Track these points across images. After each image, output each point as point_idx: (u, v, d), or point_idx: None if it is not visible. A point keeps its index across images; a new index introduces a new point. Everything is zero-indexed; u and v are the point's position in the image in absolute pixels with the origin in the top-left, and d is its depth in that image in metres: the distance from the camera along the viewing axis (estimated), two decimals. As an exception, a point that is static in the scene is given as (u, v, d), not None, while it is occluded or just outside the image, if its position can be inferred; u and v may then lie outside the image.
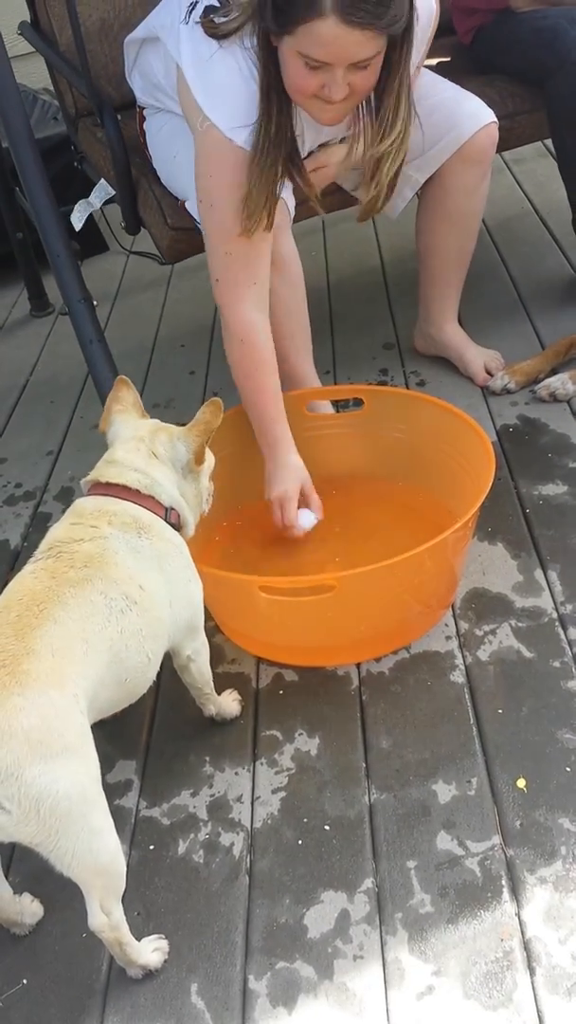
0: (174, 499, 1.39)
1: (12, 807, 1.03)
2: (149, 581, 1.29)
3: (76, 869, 1.11)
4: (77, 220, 2.30)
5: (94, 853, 1.11)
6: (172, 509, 1.38)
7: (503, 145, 2.29)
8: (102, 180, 2.26)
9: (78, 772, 1.08)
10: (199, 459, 1.40)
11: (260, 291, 1.79)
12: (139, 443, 1.39)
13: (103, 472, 1.38)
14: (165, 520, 1.36)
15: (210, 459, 1.48)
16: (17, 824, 1.05)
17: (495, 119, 2.01)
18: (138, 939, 1.25)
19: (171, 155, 1.97)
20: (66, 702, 1.09)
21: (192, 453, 1.39)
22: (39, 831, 1.06)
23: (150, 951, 1.26)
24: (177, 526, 1.39)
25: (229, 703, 1.58)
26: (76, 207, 2.29)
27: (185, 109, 1.75)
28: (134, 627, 1.24)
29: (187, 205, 1.92)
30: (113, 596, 1.23)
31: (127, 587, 1.25)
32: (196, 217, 1.84)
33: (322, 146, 1.93)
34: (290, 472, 1.81)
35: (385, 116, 1.69)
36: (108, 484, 1.36)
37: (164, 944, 1.28)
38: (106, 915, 1.17)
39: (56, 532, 1.31)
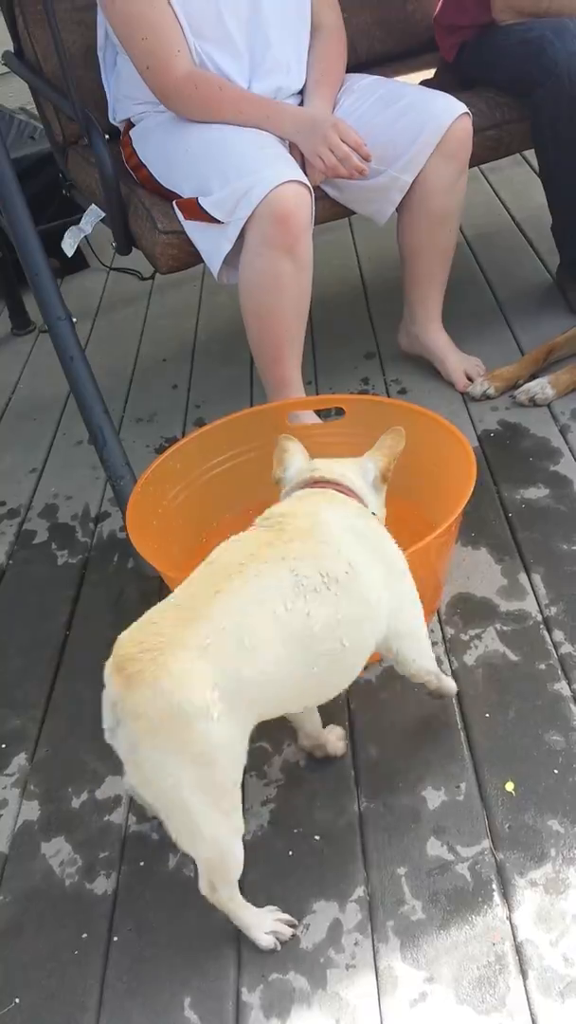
0: (375, 507, 1.43)
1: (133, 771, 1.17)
2: (362, 561, 1.27)
3: (180, 845, 1.19)
4: (69, 247, 2.32)
5: (192, 842, 1.18)
6: (374, 514, 1.42)
7: (492, 155, 2.29)
8: (92, 205, 2.26)
9: (183, 775, 1.13)
10: (385, 476, 1.45)
11: (184, 57, 1.93)
12: (332, 462, 1.44)
13: (314, 473, 1.41)
14: None
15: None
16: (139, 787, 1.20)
17: (468, 110, 2.03)
18: (129, 956, 1.24)
19: (162, 149, 2.04)
20: (192, 709, 1.10)
21: (379, 470, 1.44)
22: (154, 803, 1.19)
23: (264, 931, 1.27)
24: None
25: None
26: (67, 233, 2.30)
27: None
28: (326, 610, 1.21)
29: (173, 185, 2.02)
30: (307, 574, 1.21)
31: (331, 564, 1.23)
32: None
33: None
34: (313, 111, 1.98)
35: None
36: (325, 480, 1.40)
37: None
38: (211, 889, 1.22)
39: (277, 506, 1.36)
